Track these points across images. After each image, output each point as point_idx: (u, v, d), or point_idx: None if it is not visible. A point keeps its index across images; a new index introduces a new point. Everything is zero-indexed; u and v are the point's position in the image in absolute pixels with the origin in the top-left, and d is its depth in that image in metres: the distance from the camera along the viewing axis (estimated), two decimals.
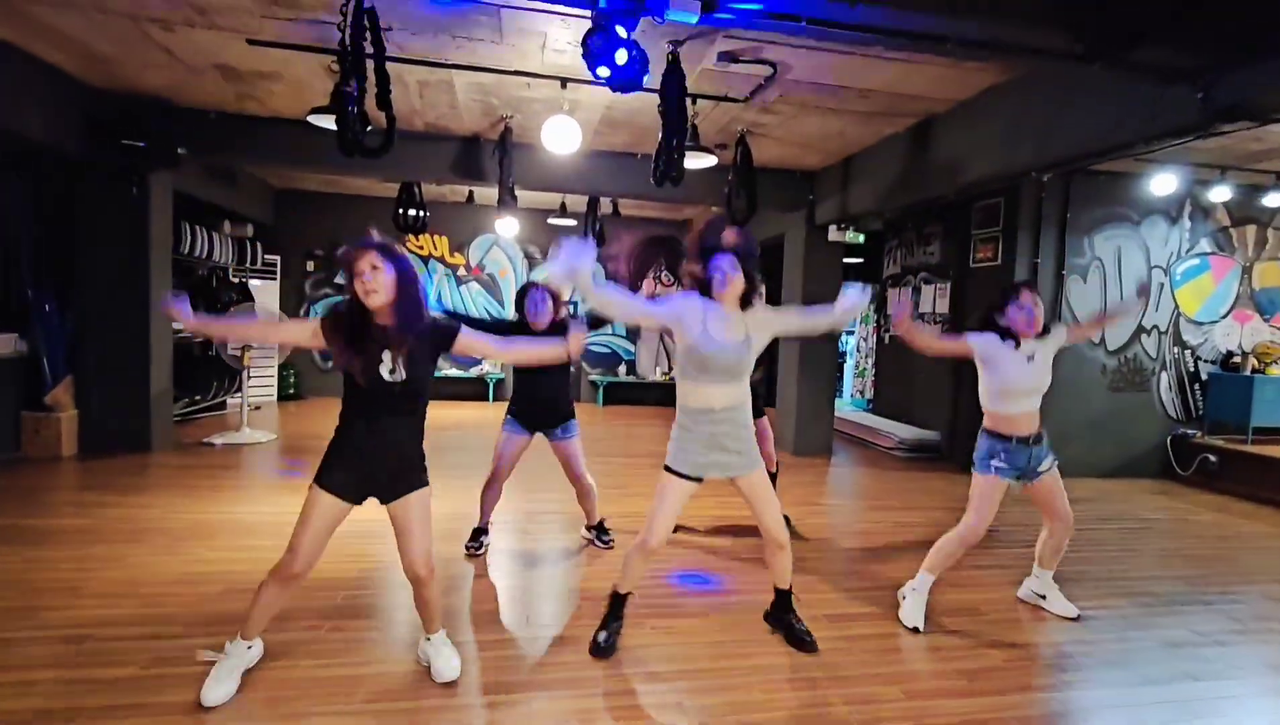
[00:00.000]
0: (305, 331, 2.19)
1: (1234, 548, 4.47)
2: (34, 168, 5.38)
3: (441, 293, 9.68)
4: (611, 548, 3.76)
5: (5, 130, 4.39)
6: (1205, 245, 6.51)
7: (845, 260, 9.91)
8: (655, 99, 4.39)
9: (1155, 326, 6.46)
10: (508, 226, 8.23)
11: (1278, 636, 3.07)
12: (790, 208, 6.70)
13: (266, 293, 8.74)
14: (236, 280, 8.07)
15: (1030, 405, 2.91)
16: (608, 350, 10.27)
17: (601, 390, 9.99)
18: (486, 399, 9.80)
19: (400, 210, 6.99)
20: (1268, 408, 6.17)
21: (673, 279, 8.85)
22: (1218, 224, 6.52)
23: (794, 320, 2.69)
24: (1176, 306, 6.49)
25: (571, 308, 3.67)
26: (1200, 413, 6.57)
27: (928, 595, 3.03)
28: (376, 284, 2.10)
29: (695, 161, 4.54)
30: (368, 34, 3.04)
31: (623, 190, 6.45)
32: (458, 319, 2.99)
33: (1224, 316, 6.62)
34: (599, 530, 3.85)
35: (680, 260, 8.46)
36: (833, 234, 6.28)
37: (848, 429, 8.10)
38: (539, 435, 3.58)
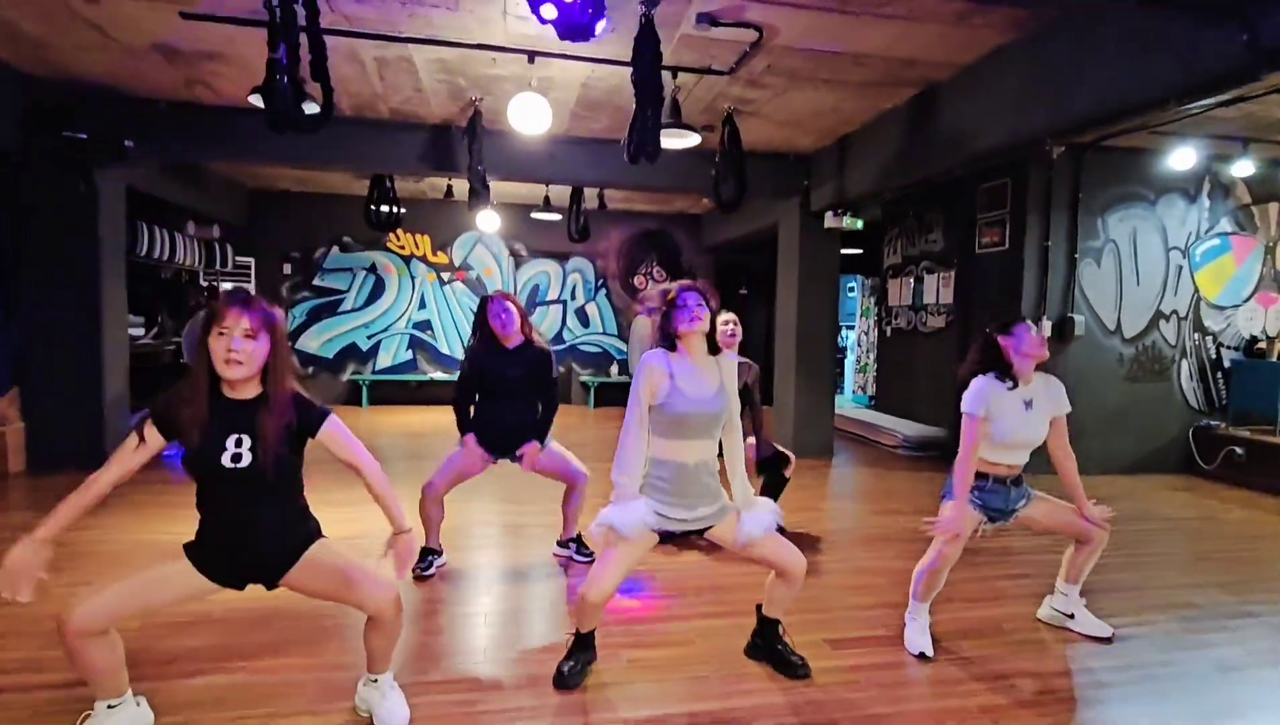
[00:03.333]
0: (129, 448, 1.79)
1: (1271, 549, 4.10)
2: None
3: (425, 297, 9.33)
4: (592, 561, 3.41)
5: None
6: (1226, 224, 6.15)
7: (844, 251, 9.57)
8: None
9: (1174, 311, 6.09)
10: (489, 221, 7.87)
11: None
12: (784, 194, 6.34)
13: None
14: (206, 283, 7.73)
15: (1019, 458, 2.60)
16: (598, 350, 9.90)
17: (592, 392, 9.63)
18: None
19: (372, 206, 6.64)
20: None
21: (665, 275, 8.41)
22: (1238, 201, 6.16)
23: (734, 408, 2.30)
24: (1196, 290, 6.13)
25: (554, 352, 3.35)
26: (1224, 402, 6.20)
27: (928, 617, 2.68)
28: (244, 355, 1.74)
29: (677, 141, 4.19)
30: None
31: (605, 179, 6.12)
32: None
33: (1247, 300, 6.25)
34: (577, 545, 3.49)
35: (674, 255, 8.09)
36: (829, 220, 5.92)
37: (849, 427, 7.74)
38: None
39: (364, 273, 9.15)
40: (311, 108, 3.68)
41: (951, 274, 6.85)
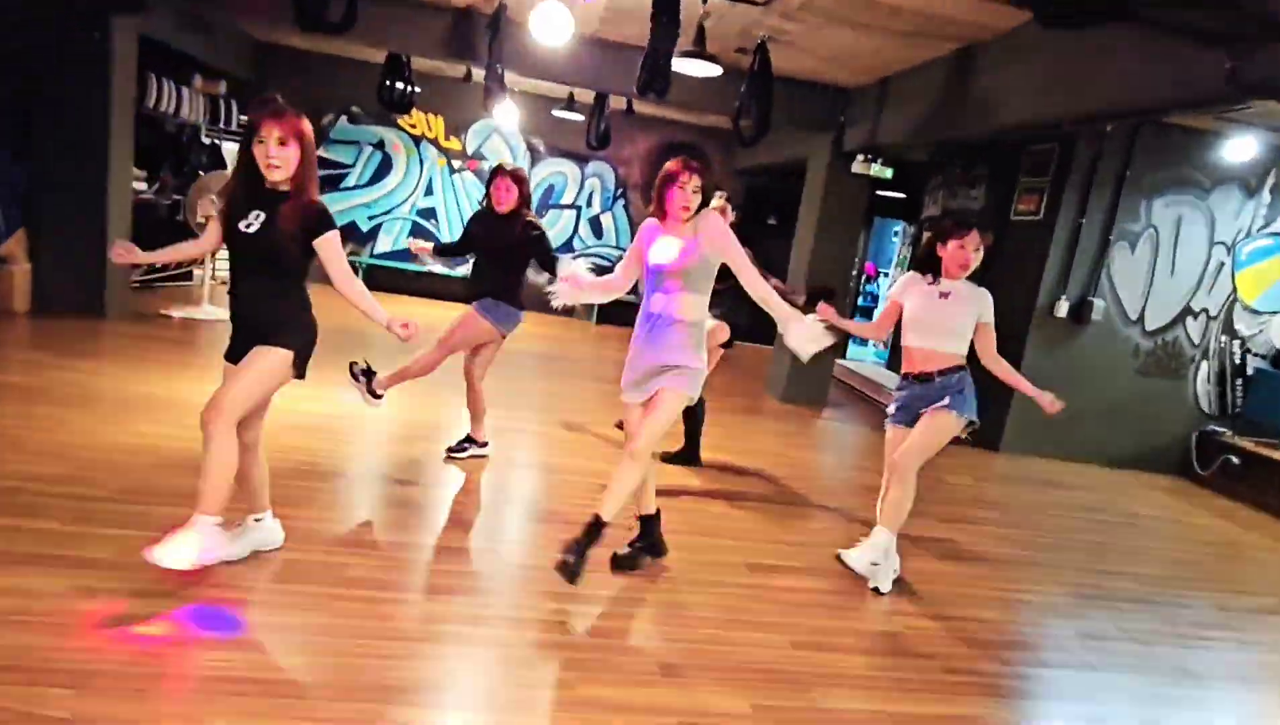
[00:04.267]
0: (216, 228, 2.48)
1: (1216, 554, 4.73)
2: None
3: (433, 183, 9.81)
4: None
5: None
6: None
7: (883, 194, 9.84)
8: None
9: (1204, 310, 6.47)
10: (507, 114, 8.23)
11: (1204, 644, 3.36)
12: (817, 127, 6.66)
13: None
14: (208, 141, 8.26)
15: (932, 343, 3.14)
16: (607, 263, 10.42)
17: (595, 308, 10.23)
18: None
19: (386, 83, 7.05)
20: None
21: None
22: None
23: (746, 270, 2.78)
24: (1234, 290, 6.48)
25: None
26: (1237, 410, 6.67)
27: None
28: (280, 159, 2.34)
29: (697, 69, 4.57)
30: None
31: (627, 89, 6.44)
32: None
33: None
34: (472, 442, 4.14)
35: (704, 170, 8.55)
36: (857, 165, 6.27)
37: (855, 383, 8.31)
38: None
39: (371, 148, 9.62)
40: None
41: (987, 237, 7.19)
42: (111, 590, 2.39)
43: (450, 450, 4.11)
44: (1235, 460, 6.25)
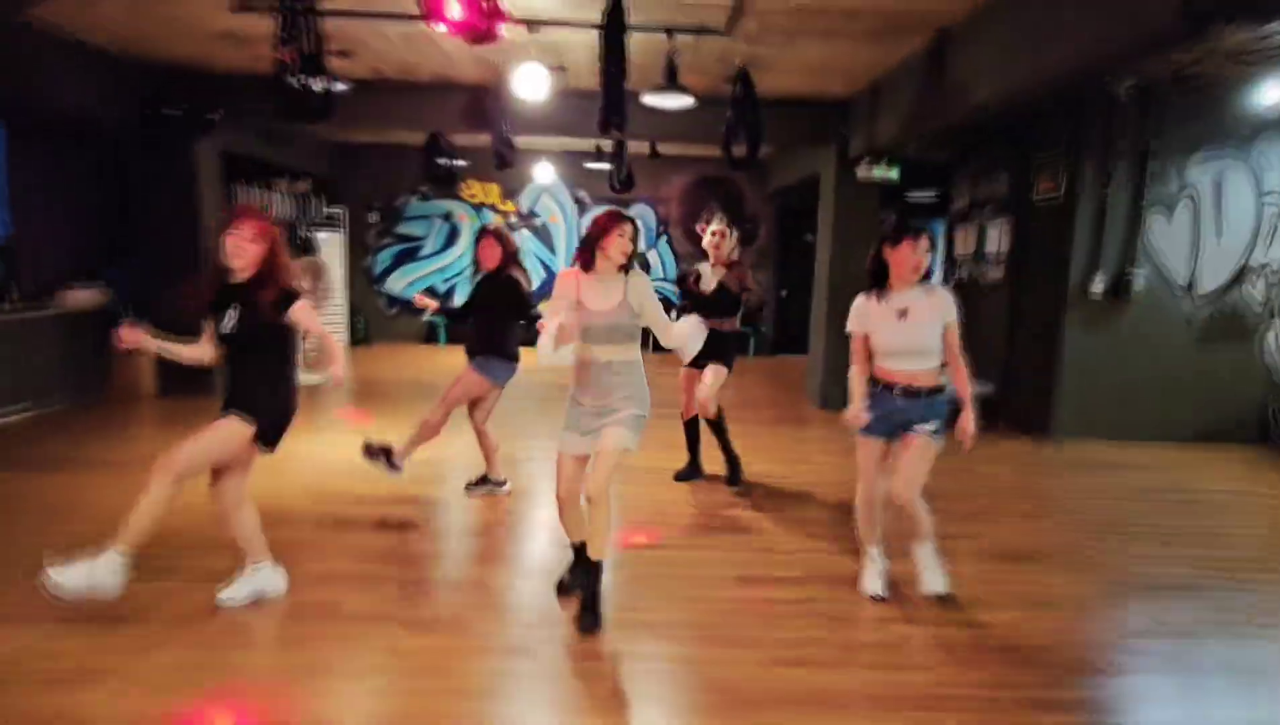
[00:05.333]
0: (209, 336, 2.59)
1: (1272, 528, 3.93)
2: (96, 142, 6.16)
3: None
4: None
5: (65, 107, 5.13)
6: None
7: (916, 197, 9.22)
8: (644, 35, 4.31)
9: (1265, 266, 5.55)
10: (544, 172, 8.36)
11: (1266, 635, 2.74)
12: (821, 141, 6.32)
13: (331, 245, 9.52)
14: (303, 233, 8.84)
15: (909, 365, 2.71)
16: (659, 296, 10.28)
17: (651, 338, 10.08)
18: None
19: (432, 159, 7.29)
20: None
21: (727, 221, 8.73)
22: None
23: (654, 315, 2.69)
24: None
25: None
26: None
27: (882, 561, 2.96)
28: (240, 252, 2.47)
29: (671, 101, 4.41)
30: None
31: (628, 131, 6.36)
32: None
33: None
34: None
35: (736, 201, 8.34)
36: (860, 171, 5.86)
37: None
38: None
39: (440, 220, 10.02)
40: (338, 87, 4.29)
41: (1012, 222, 6.54)
42: (117, 648, 2.43)
43: (469, 486, 4.05)
44: None
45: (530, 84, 4.33)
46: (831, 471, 4.73)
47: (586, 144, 8.17)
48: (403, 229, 10.03)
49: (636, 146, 8.08)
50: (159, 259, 6.28)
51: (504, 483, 4.06)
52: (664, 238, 10.21)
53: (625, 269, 2.64)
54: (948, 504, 3.92)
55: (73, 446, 4.82)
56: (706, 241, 4.16)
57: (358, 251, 10.03)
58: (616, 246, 2.60)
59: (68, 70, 5.06)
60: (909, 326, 2.69)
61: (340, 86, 4.46)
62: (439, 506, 3.91)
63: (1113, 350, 5.57)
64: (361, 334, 10.09)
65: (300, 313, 2.57)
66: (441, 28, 2.66)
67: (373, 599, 2.78)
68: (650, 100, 4.35)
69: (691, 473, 4.33)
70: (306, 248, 8.53)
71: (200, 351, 2.68)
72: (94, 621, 2.47)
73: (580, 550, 2.81)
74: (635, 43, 4.59)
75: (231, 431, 2.50)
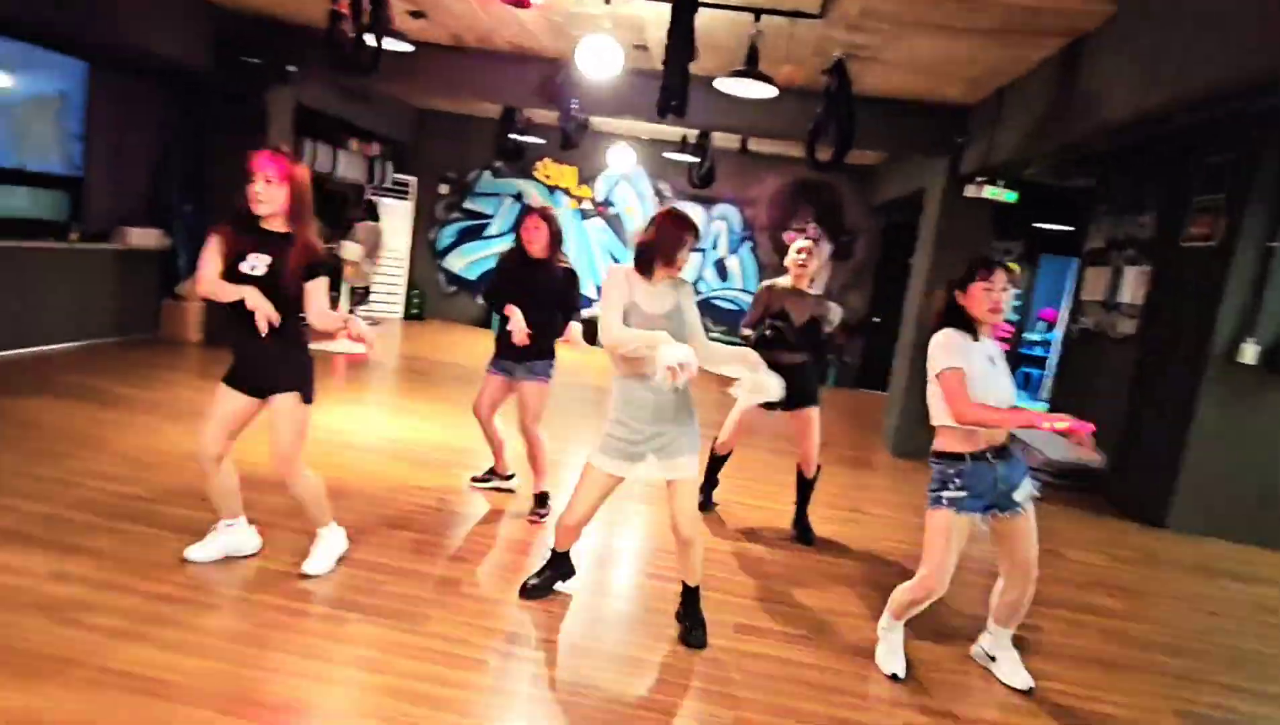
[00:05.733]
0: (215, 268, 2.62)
1: None
2: (173, 84, 6.69)
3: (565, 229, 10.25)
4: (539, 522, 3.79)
5: (149, 51, 5.62)
6: None
7: (1047, 228, 8.70)
8: (730, 16, 4.26)
9: None
10: (621, 158, 8.42)
11: None
12: (932, 151, 6.04)
13: (397, 213, 9.95)
14: (367, 197, 9.29)
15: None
16: (734, 307, 10.15)
17: None
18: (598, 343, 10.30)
19: (504, 132, 7.50)
20: None
21: (820, 231, 8.69)
22: None
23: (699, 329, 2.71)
24: None
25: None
26: None
27: (902, 634, 2.82)
28: (266, 196, 2.55)
29: (748, 89, 4.32)
30: None
31: (709, 121, 6.31)
32: None
33: None
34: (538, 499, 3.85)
35: (834, 210, 8.21)
36: (970, 189, 5.56)
37: None
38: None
39: (510, 199, 10.28)
40: (403, 45, 4.49)
41: (1152, 269, 6.04)
42: (82, 578, 2.60)
43: (475, 479, 4.15)
44: None
45: (598, 59, 4.34)
46: (883, 527, 4.50)
47: (673, 133, 8.18)
48: (471, 204, 10.36)
49: (726, 141, 8.04)
50: (224, 204, 6.75)
51: (511, 476, 4.10)
52: (748, 243, 10.07)
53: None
54: (1050, 590, 3.67)
55: (114, 381, 5.22)
56: (791, 257, 3.90)
57: (424, 221, 10.42)
58: (685, 258, 2.63)
59: (152, 12, 5.53)
60: (998, 372, 2.54)
61: (402, 45, 4.67)
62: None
63: (1258, 434, 5.02)
64: (416, 309, 10.47)
65: (315, 287, 2.66)
66: None
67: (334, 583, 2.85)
68: (724, 86, 4.27)
69: (707, 503, 4.23)
70: (370, 212, 8.95)
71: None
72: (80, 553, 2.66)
73: (565, 556, 2.93)
74: (722, 25, 4.58)
75: (294, 407, 2.72)
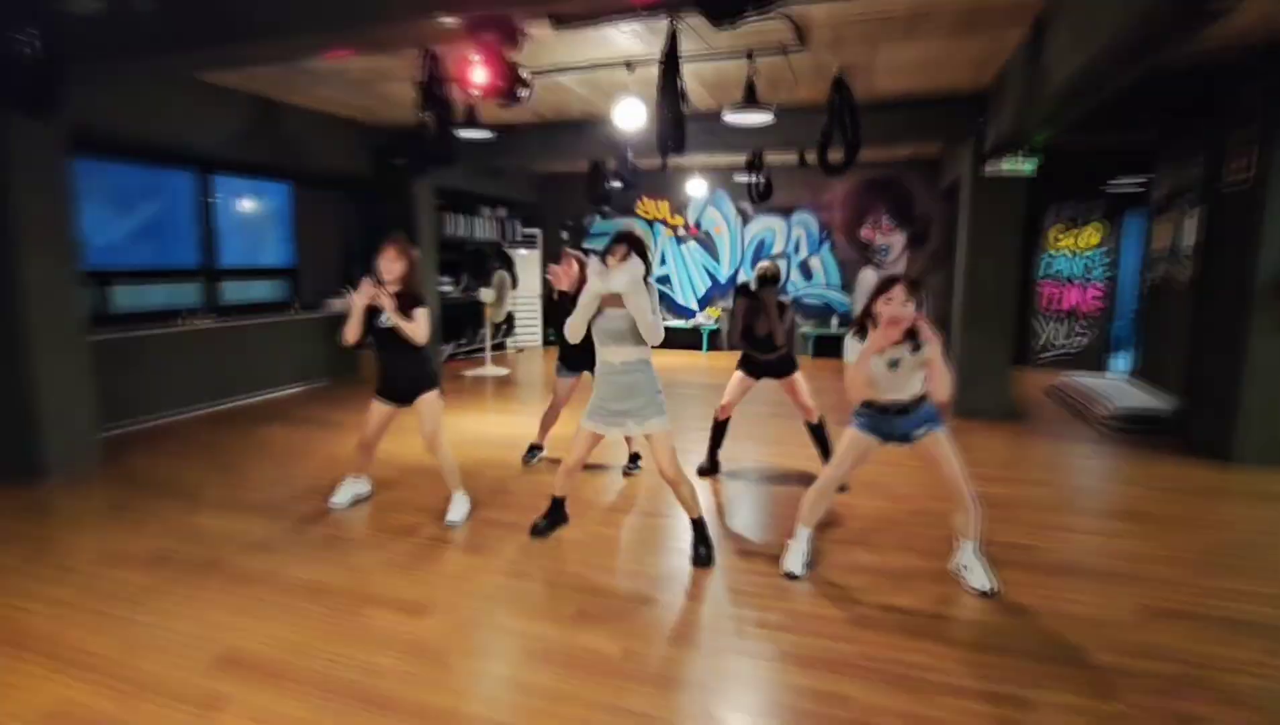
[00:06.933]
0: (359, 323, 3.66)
1: None
2: (348, 190, 8.25)
3: (665, 254, 10.98)
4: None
5: (329, 168, 7.13)
6: None
7: (1121, 186, 8.18)
8: (736, 60, 4.79)
9: None
10: (697, 188, 9.02)
11: None
12: (955, 138, 6.10)
13: (529, 261, 11.21)
14: (504, 250, 10.61)
15: (898, 394, 2.89)
16: (820, 302, 10.32)
17: (811, 342, 10.17)
18: (700, 348, 10.86)
19: (594, 184, 8.38)
20: None
21: (894, 226, 9.23)
22: None
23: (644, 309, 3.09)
24: None
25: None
26: None
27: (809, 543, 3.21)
28: (389, 272, 3.59)
29: (750, 119, 4.80)
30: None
31: (747, 146, 6.79)
32: None
33: None
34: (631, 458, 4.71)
35: (904, 203, 8.63)
36: (988, 167, 5.57)
37: (1074, 396, 6.95)
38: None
39: None
40: (483, 134, 5.46)
41: (1203, 212, 5.65)
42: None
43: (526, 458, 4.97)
44: None
45: (627, 116, 5.03)
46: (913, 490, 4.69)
47: (739, 159, 8.66)
48: (588, 245, 11.40)
49: (784, 157, 8.39)
50: None
51: (540, 448, 4.90)
52: (826, 244, 10.22)
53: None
54: (1016, 513, 3.83)
55: (326, 411, 6.64)
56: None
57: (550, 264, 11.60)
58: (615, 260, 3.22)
59: (328, 141, 7.01)
60: (899, 377, 2.87)
61: (482, 134, 5.63)
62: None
63: None
64: (553, 337, 11.63)
65: (417, 314, 3.60)
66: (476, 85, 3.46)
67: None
68: (731, 118, 4.80)
69: (713, 467, 4.70)
70: (505, 263, 10.22)
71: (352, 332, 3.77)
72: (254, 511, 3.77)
73: (561, 504, 3.62)
74: (730, 69, 5.12)
75: (435, 401, 3.73)
